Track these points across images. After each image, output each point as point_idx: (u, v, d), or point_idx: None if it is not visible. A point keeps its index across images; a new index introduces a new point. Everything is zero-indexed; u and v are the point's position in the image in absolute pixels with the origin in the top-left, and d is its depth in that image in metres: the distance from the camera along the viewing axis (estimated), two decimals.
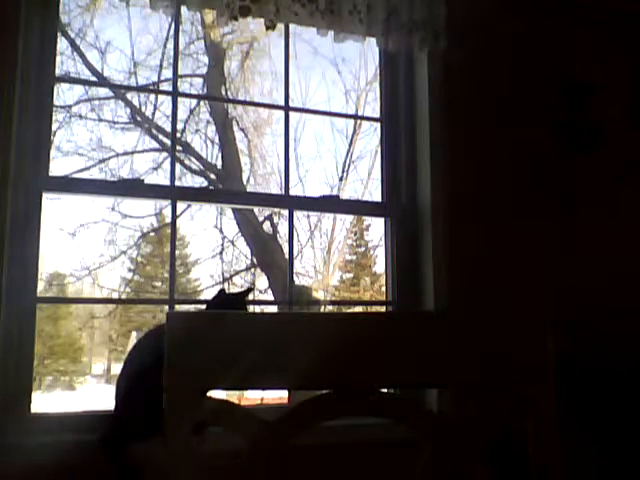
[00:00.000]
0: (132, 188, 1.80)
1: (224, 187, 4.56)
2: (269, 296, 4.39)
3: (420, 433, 0.88)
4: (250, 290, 1.73)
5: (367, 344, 0.89)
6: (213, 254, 4.52)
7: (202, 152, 4.16)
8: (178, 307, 1.75)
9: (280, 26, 1.93)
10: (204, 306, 1.67)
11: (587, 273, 2.04)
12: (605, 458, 1.90)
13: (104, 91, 4.10)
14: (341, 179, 4.50)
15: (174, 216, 1.81)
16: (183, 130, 3.94)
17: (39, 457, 1.42)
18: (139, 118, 3.98)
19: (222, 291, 1.67)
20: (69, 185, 1.75)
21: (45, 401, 4.87)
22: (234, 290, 1.76)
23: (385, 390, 0.97)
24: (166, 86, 3.32)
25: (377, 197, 2.11)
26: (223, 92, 4.30)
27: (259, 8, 1.74)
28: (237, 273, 4.52)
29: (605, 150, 2.14)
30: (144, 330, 1.71)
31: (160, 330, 1.54)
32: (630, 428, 1.92)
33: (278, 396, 2.69)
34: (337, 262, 5.18)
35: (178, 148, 4.00)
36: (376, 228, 5.41)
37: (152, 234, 4.84)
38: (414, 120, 2.05)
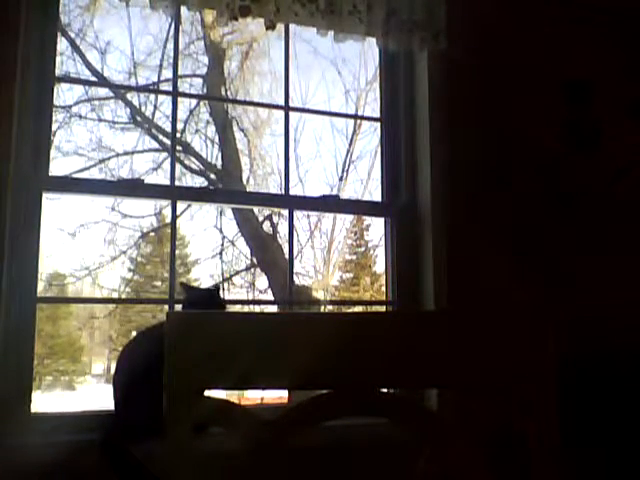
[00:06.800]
0: (132, 188, 1.80)
1: (224, 187, 4.56)
2: (269, 296, 4.39)
3: (420, 433, 0.88)
4: (218, 288, 1.64)
5: (367, 344, 0.89)
6: (213, 254, 4.53)
7: (202, 152, 4.16)
8: (178, 307, 1.74)
9: (280, 26, 1.93)
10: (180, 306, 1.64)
11: (587, 272, 2.04)
12: (605, 460, 1.89)
13: (104, 91, 4.10)
14: (341, 179, 4.51)
15: (174, 216, 1.81)
16: (183, 130, 3.94)
17: (39, 457, 1.42)
18: (139, 118, 3.99)
19: (184, 285, 1.64)
20: (69, 185, 1.75)
21: (45, 401, 4.86)
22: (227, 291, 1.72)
23: (385, 390, 0.97)
24: (166, 86, 3.32)
25: (377, 197, 2.11)
26: (223, 92, 4.31)
27: (259, 8, 1.74)
28: (237, 273, 4.52)
29: (605, 149, 2.14)
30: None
31: (156, 329, 1.53)
32: (631, 430, 1.92)
33: (278, 396, 2.69)
34: (337, 262, 5.18)
35: (178, 148, 4.00)
36: (376, 228, 5.42)
37: (152, 234, 4.84)
38: (414, 120, 2.05)
